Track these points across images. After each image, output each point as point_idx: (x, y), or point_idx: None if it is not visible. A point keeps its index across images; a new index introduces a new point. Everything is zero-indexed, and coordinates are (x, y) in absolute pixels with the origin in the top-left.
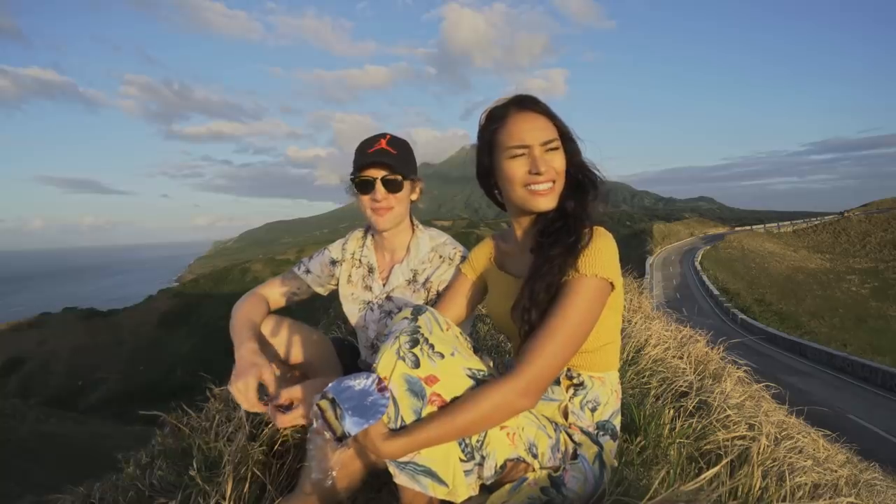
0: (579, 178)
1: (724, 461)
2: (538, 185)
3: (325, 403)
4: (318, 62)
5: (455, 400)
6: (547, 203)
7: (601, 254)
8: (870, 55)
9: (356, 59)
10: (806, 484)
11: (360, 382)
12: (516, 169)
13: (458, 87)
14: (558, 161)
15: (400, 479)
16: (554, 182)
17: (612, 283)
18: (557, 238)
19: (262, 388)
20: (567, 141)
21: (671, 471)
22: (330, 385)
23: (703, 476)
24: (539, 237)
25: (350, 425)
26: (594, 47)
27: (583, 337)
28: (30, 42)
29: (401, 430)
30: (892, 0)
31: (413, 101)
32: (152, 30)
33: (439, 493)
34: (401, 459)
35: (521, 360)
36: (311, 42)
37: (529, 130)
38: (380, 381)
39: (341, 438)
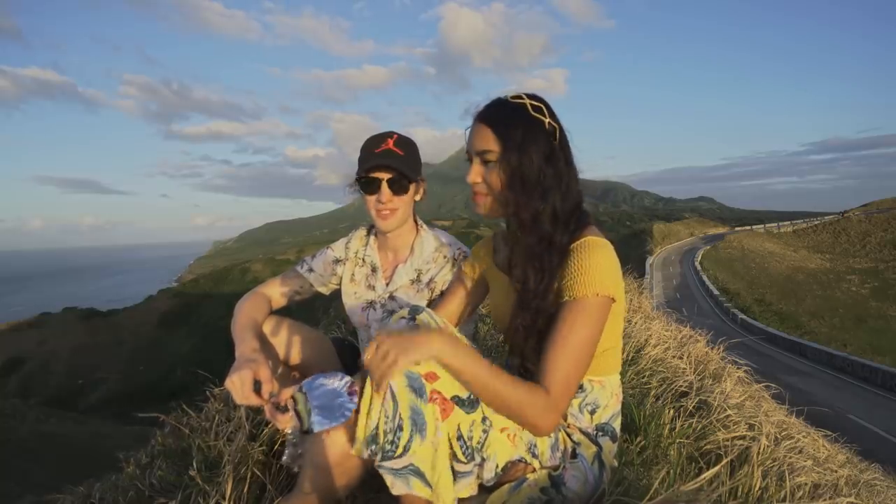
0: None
1: (724, 461)
2: (473, 192)
3: (299, 396)
4: (317, 62)
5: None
6: (480, 211)
7: (597, 270)
8: (870, 54)
9: (354, 59)
10: (806, 484)
11: (332, 382)
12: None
13: (458, 86)
14: (493, 175)
15: (397, 488)
16: (486, 194)
17: (612, 298)
18: (530, 266)
19: (258, 386)
20: (507, 155)
21: (671, 471)
22: (306, 380)
23: (703, 476)
24: (511, 257)
25: (315, 423)
26: (594, 47)
27: (591, 357)
28: (29, 42)
29: (460, 343)
30: None
31: (412, 100)
32: (151, 29)
33: (424, 493)
34: (399, 466)
35: (553, 389)
36: (309, 42)
37: (471, 140)
38: (352, 384)
39: (307, 432)
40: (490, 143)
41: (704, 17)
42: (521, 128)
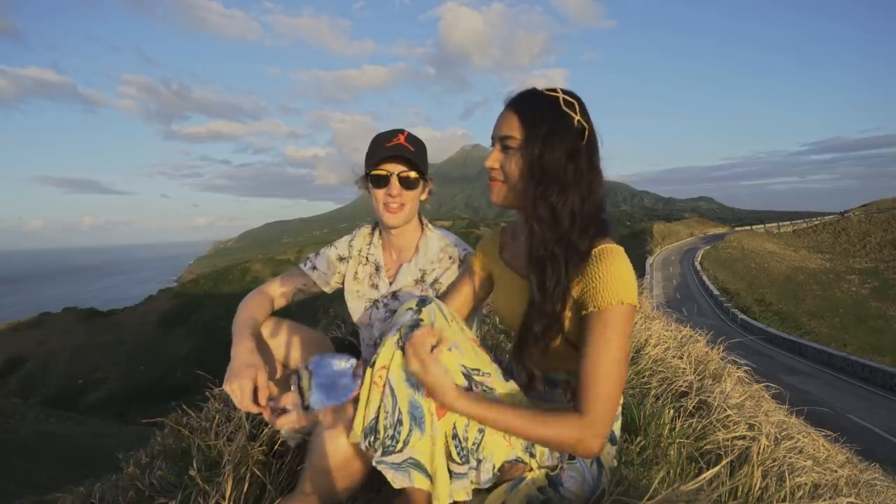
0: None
1: (724, 461)
2: (489, 178)
3: (304, 373)
4: (317, 62)
5: (527, 405)
6: (493, 198)
7: (619, 278)
8: (872, 53)
9: (354, 59)
10: (806, 484)
11: (340, 364)
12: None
13: (458, 86)
14: (511, 162)
15: (398, 482)
16: (502, 181)
17: (635, 306)
18: (549, 267)
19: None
20: (529, 145)
21: (671, 471)
22: (314, 357)
23: (703, 476)
24: (529, 255)
25: (315, 401)
26: (594, 47)
27: (627, 366)
28: (28, 42)
29: (475, 395)
30: None
31: (412, 100)
32: (150, 29)
33: (425, 486)
34: (399, 460)
35: (589, 408)
36: (308, 42)
37: (497, 125)
38: (357, 366)
39: (307, 408)
40: (513, 129)
41: (705, 17)
42: (548, 119)
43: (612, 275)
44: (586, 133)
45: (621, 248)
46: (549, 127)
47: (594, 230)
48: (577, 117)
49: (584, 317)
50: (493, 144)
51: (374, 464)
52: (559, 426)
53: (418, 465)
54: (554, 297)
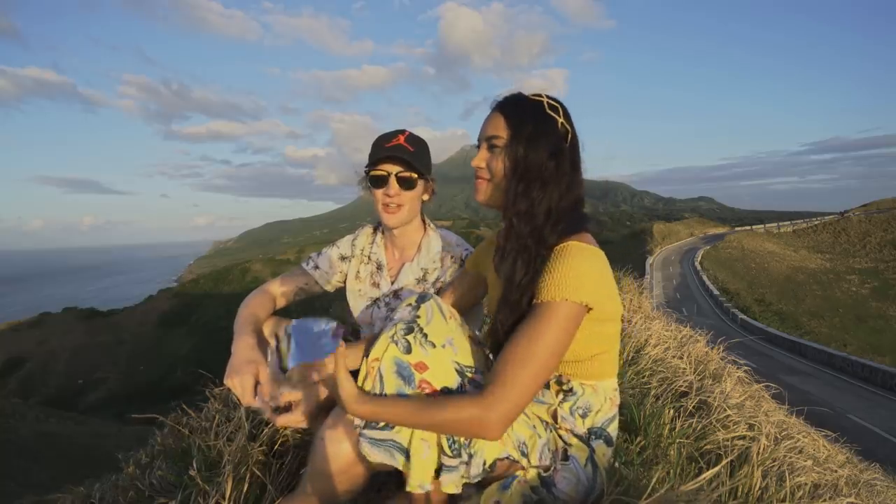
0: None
1: (724, 461)
2: (476, 177)
3: (283, 336)
4: (317, 62)
5: (437, 394)
6: (479, 197)
7: (571, 275)
8: (871, 54)
9: (354, 59)
10: (806, 484)
11: (319, 326)
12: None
13: (458, 86)
14: (497, 161)
15: (374, 456)
16: (488, 180)
17: (587, 305)
18: (520, 259)
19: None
20: (514, 144)
21: (671, 471)
22: (293, 322)
23: (703, 476)
24: (503, 249)
25: (293, 359)
26: (594, 47)
27: (555, 364)
28: (28, 42)
29: (374, 397)
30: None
31: (412, 100)
32: (150, 30)
33: (408, 471)
34: (380, 437)
35: (493, 388)
36: (308, 42)
37: (483, 127)
38: (337, 327)
39: (284, 370)
40: (500, 129)
41: (706, 18)
42: (532, 120)
43: (562, 271)
44: (569, 136)
45: (590, 248)
46: (534, 128)
47: (566, 226)
48: (561, 120)
49: (530, 307)
50: (478, 145)
51: (358, 433)
52: (458, 405)
53: (403, 450)
54: (520, 287)
